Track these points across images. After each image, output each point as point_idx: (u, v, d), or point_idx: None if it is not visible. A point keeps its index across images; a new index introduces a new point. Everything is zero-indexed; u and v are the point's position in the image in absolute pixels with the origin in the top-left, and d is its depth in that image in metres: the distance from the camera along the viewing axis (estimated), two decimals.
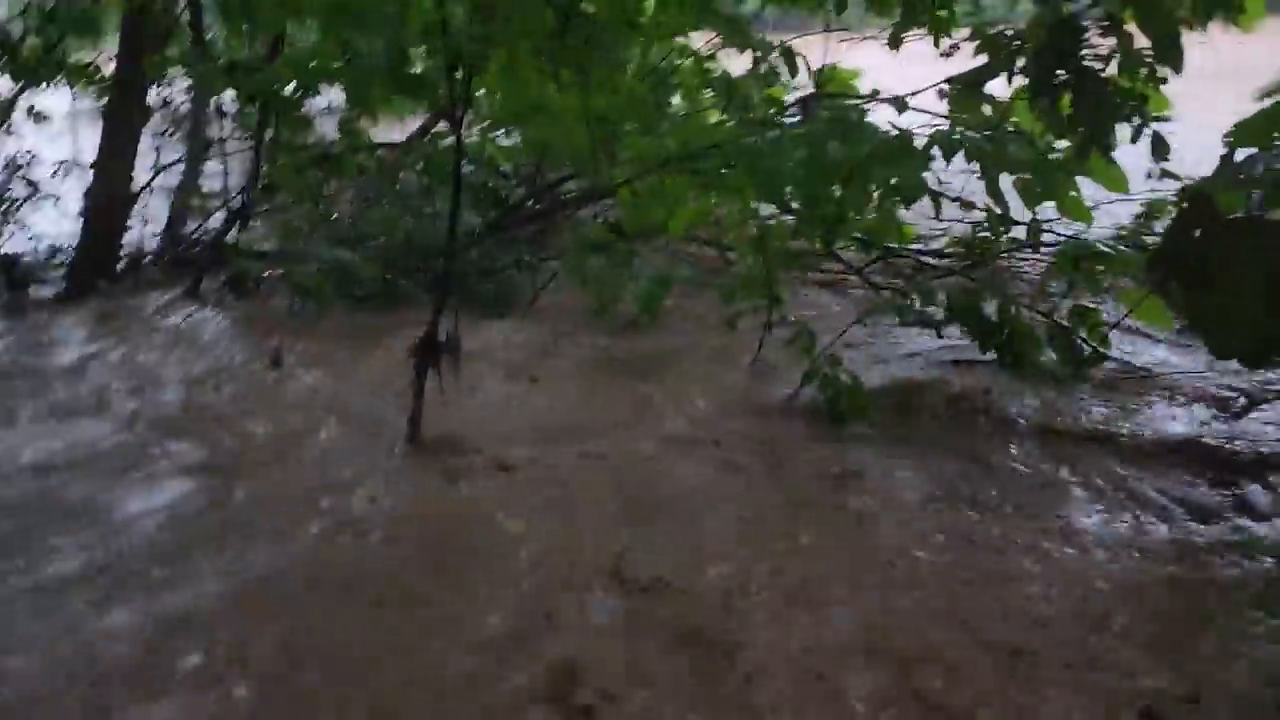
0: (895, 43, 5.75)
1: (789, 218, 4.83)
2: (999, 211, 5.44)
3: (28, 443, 4.62)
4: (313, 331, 6.26)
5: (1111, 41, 5.26)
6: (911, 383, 4.90)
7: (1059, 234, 6.26)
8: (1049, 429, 4.39)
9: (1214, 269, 3.37)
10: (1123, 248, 5.49)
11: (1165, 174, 5.98)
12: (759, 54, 7.06)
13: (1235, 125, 3.27)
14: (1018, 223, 6.14)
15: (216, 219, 7.86)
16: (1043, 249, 6.32)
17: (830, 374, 4.61)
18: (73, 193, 8.14)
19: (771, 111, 5.00)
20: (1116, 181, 5.73)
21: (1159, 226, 6.68)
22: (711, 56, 7.57)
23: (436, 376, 4.39)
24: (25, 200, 7.71)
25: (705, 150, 4.37)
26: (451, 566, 3.46)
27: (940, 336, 5.19)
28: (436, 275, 5.43)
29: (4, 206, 7.60)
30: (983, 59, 6.06)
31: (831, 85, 7.11)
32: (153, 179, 8.01)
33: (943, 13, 5.16)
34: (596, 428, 4.60)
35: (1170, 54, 5.14)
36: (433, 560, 3.52)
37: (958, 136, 4.80)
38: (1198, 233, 3.39)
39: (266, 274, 6.93)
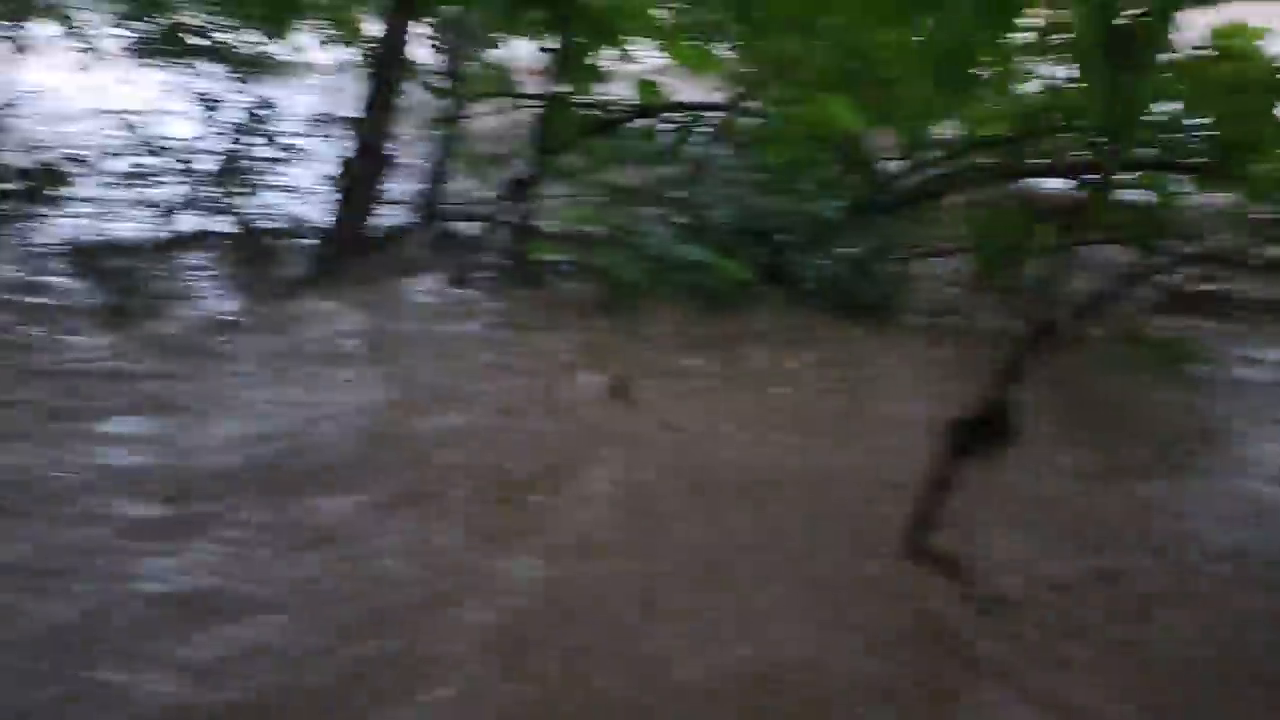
0: None
1: None
2: None
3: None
4: (644, 342, 4.74)
5: None
6: None
7: None
8: None
9: None
10: None
11: None
12: None
13: None
14: None
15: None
16: None
17: None
18: (317, 150, 6.85)
19: None
20: None
21: None
22: None
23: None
24: (274, 163, 6.41)
25: None
26: None
27: None
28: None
29: (246, 172, 6.32)
30: None
31: None
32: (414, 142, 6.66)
33: None
34: None
35: None
36: None
37: None
38: None
39: (571, 260, 5.46)
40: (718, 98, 7.12)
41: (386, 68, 6.24)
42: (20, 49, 7.41)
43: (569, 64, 6.06)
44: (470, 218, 6.52)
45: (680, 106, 6.59)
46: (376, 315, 5.00)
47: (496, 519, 3.01)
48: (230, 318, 5.07)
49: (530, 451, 3.43)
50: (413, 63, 6.52)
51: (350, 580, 2.71)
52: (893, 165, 6.12)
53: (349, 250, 6.13)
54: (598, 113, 6.45)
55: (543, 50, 6.76)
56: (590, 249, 5.49)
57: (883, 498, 3.09)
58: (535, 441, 3.51)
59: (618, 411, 3.81)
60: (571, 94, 6.21)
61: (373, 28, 7.69)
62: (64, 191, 5.91)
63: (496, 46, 7.03)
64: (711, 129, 6.35)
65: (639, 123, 6.40)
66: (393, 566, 2.77)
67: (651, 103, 6.32)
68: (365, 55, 7.34)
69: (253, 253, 6.16)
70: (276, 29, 6.96)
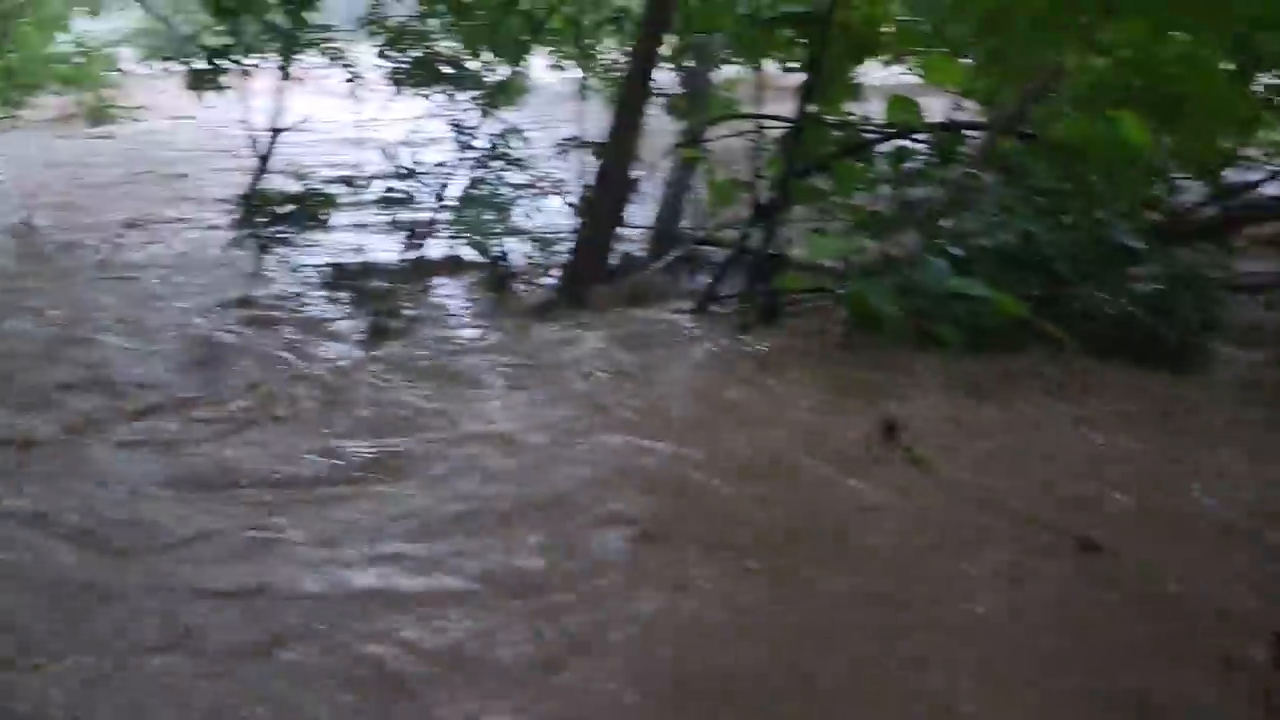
0: None
1: None
2: None
3: None
4: (906, 382, 4.38)
5: None
6: None
7: None
8: None
9: None
10: None
11: None
12: None
13: None
14: None
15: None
16: None
17: None
18: (561, 175, 6.85)
19: None
20: None
21: None
22: None
23: None
24: (519, 188, 6.45)
25: None
26: None
27: None
28: None
29: (492, 197, 6.38)
30: None
31: None
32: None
33: None
34: None
35: None
36: None
37: None
38: None
39: (822, 290, 5.17)
40: (970, 115, 6.68)
41: (631, 92, 6.17)
42: (288, 79, 7.85)
43: (820, 82, 5.76)
44: (713, 244, 6.35)
45: (942, 126, 6.17)
46: (621, 346, 4.88)
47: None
48: (480, 343, 5.10)
49: (820, 512, 3.16)
50: (656, 85, 6.43)
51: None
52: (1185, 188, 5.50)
53: (591, 276, 6.07)
54: (846, 133, 6.13)
55: (789, 69, 6.52)
56: (842, 279, 5.17)
57: (1234, 589, 2.63)
58: (820, 498, 3.24)
59: (898, 466, 3.47)
60: (821, 114, 5.91)
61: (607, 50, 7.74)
62: (329, 215, 6.16)
63: (740, 67, 6.85)
64: (973, 149, 5.89)
65: (892, 144, 6.03)
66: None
67: (907, 122, 5.93)
68: (607, 80, 7.36)
69: (498, 277, 6.22)
70: (516, 56, 7.04)
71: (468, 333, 5.33)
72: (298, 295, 5.87)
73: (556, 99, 8.93)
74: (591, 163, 6.53)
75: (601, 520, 3.08)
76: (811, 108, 5.77)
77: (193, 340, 5.01)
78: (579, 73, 7.77)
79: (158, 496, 3.26)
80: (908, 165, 5.72)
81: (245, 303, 5.71)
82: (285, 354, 4.68)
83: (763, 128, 6.31)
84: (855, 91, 5.89)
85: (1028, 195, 5.27)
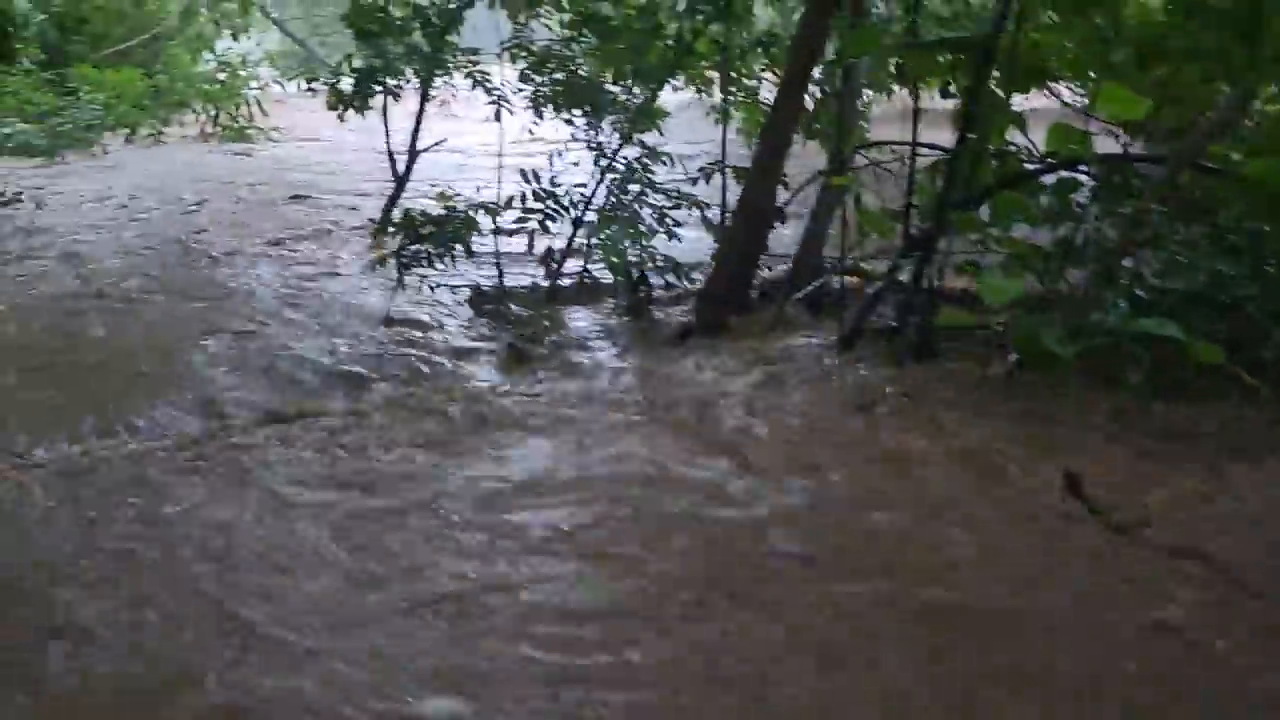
0: None
1: None
2: None
3: None
4: (1084, 426, 4.09)
5: None
6: None
7: None
8: None
9: None
10: None
11: None
12: None
13: None
14: None
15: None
16: None
17: None
18: (702, 200, 6.69)
19: None
20: None
21: None
22: None
23: None
24: (658, 213, 6.35)
25: None
26: None
27: None
28: None
29: (630, 222, 6.28)
30: None
31: None
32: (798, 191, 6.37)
33: None
34: None
35: None
36: None
37: None
38: None
39: (985, 327, 4.92)
40: (1128, 146, 6.30)
41: (778, 117, 6.02)
42: (429, 101, 7.94)
43: (981, 109, 5.49)
44: (858, 274, 6.12)
45: (1115, 157, 5.81)
46: (774, 385, 4.70)
47: None
48: (625, 373, 4.98)
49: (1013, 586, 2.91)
50: (805, 111, 6.26)
51: None
52: None
53: (731, 304, 5.92)
54: (1006, 162, 5.83)
55: (946, 95, 6.27)
56: (1006, 316, 4.89)
57: None
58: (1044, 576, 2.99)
59: (1093, 527, 3.20)
60: (981, 142, 5.63)
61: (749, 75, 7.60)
62: (470, 236, 6.13)
63: (892, 92, 6.63)
64: (1145, 182, 5.54)
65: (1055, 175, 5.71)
66: None
67: (1075, 154, 5.60)
68: (747, 103, 7.23)
69: (636, 303, 6.12)
70: (660, 80, 6.96)
71: (610, 362, 5.22)
72: (438, 319, 5.86)
73: (688, 122, 8.81)
74: (733, 187, 6.40)
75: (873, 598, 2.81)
76: (971, 135, 5.52)
77: (338, 363, 5.02)
78: (711, 95, 7.66)
79: (318, 556, 3.03)
80: (1076, 199, 5.40)
81: (388, 323, 5.73)
82: (436, 379, 4.64)
83: (915, 155, 6.07)
84: (1020, 120, 5.59)
85: (1215, 234, 4.92)
